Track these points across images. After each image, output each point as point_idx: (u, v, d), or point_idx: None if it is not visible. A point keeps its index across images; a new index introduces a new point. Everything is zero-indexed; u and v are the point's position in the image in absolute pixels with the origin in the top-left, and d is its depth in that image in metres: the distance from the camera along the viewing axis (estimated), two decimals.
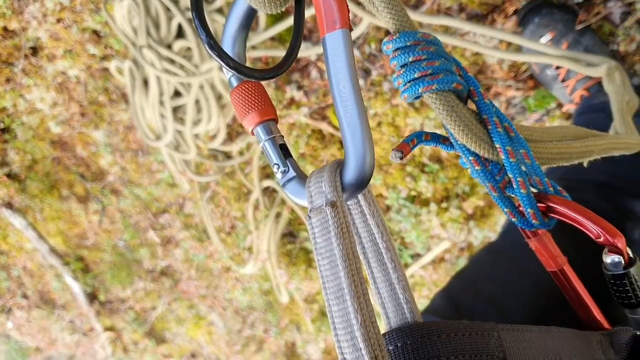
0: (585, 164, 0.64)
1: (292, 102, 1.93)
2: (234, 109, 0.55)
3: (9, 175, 2.87)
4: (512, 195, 0.56)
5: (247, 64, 0.56)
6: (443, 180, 1.78)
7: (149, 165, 2.52)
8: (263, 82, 0.54)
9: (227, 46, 0.53)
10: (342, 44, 0.46)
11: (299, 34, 0.50)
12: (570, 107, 1.52)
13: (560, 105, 1.57)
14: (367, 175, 0.45)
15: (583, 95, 1.45)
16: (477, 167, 0.57)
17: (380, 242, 0.48)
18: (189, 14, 1.83)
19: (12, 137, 2.73)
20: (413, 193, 1.85)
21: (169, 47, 1.93)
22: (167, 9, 1.86)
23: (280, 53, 1.82)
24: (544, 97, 1.57)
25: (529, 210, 0.54)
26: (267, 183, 2.20)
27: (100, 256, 3.02)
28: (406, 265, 1.94)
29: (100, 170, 2.70)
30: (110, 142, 2.54)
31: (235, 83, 0.53)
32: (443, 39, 1.51)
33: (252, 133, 0.52)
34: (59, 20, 2.25)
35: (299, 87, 1.90)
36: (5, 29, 2.35)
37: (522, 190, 0.54)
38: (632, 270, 0.51)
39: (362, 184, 0.45)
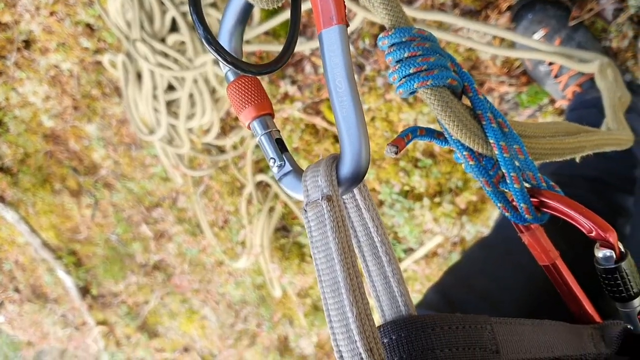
0: (577, 160, 0.64)
1: (286, 96, 1.93)
2: (230, 103, 0.55)
3: (0, 169, 2.86)
4: (506, 190, 0.57)
5: (242, 59, 0.56)
6: (436, 175, 1.79)
7: (142, 159, 2.51)
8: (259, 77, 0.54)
9: (224, 41, 0.54)
10: (339, 39, 0.46)
11: (295, 29, 0.50)
12: (562, 103, 1.53)
13: (552, 101, 1.58)
14: (362, 169, 0.46)
15: (575, 91, 1.45)
16: (471, 162, 0.57)
17: (375, 236, 0.49)
18: (183, 8, 1.83)
19: (4, 130, 2.72)
20: (406, 188, 1.86)
21: (163, 40, 1.92)
22: (161, 3, 1.85)
23: (275, 47, 1.82)
24: (537, 93, 1.58)
25: (522, 205, 0.55)
26: (261, 177, 2.20)
27: (92, 250, 3.02)
28: (399, 260, 1.95)
29: (93, 164, 2.69)
30: (103, 136, 2.53)
31: (231, 77, 0.53)
32: (437, 34, 1.52)
33: (249, 127, 0.52)
34: (51, 13, 2.23)
35: (293, 82, 1.90)
36: None
37: (515, 185, 0.55)
38: (623, 264, 0.52)
39: (357, 178, 0.46)
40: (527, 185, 0.56)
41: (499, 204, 0.56)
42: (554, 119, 1.58)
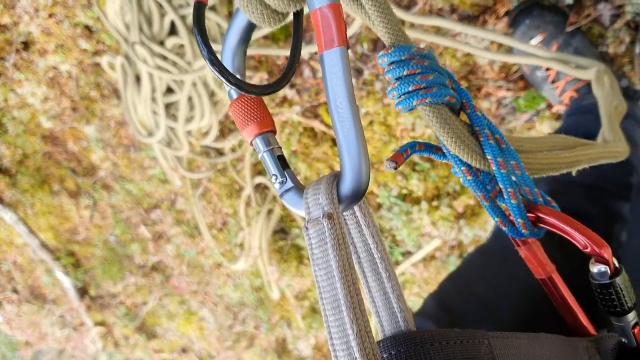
0: (573, 173, 0.65)
1: (284, 100, 1.94)
2: (234, 120, 0.56)
3: None
4: (503, 205, 0.58)
5: (245, 74, 0.57)
6: (434, 179, 1.80)
7: (140, 161, 2.52)
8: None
9: (227, 60, 0.54)
10: (340, 61, 0.47)
11: (297, 50, 0.51)
12: (560, 108, 1.54)
13: (550, 106, 1.59)
14: (363, 187, 0.47)
15: (572, 96, 1.47)
16: (469, 177, 0.58)
17: (375, 252, 0.50)
18: (182, 11, 1.83)
19: (3, 131, 2.72)
20: (404, 191, 1.87)
21: (162, 43, 1.93)
22: (160, 6, 1.86)
23: (274, 52, 1.82)
24: (534, 98, 1.59)
25: (519, 220, 0.56)
26: (259, 180, 2.21)
27: (91, 251, 3.02)
28: (397, 263, 1.96)
29: (92, 166, 2.70)
30: (101, 138, 2.54)
31: (235, 95, 0.54)
32: (435, 39, 1.53)
33: (251, 144, 0.53)
34: (50, 15, 2.24)
35: (292, 86, 1.90)
36: None
37: (512, 201, 0.56)
38: (618, 279, 0.53)
39: (358, 196, 0.47)
40: (523, 200, 0.57)
41: (496, 219, 0.57)
42: (551, 124, 1.59)
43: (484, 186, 0.58)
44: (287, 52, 1.82)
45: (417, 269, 1.94)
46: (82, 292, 3.22)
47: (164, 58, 1.91)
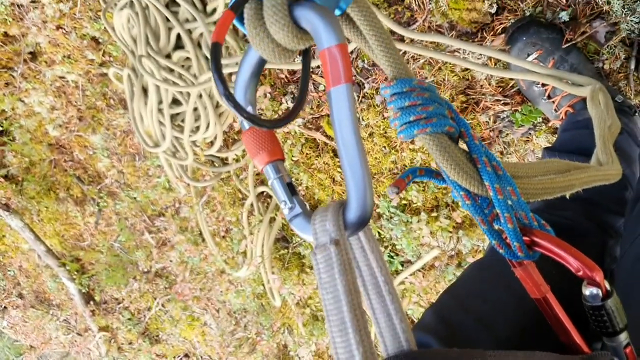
0: (567, 196, 0.69)
1: (287, 112, 1.97)
2: (246, 148, 0.60)
3: (6, 177, 2.90)
4: (500, 228, 0.61)
5: (255, 102, 0.60)
6: (433, 190, 1.83)
7: (146, 169, 2.56)
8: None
9: (240, 92, 0.58)
10: (346, 97, 0.50)
11: (305, 86, 0.55)
12: (556, 123, 1.57)
13: (546, 120, 1.62)
14: (367, 214, 0.50)
15: (568, 111, 1.50)
16: (467, 202, 0.62)
17: (379, 276, 0.53)
18: (188, 25, 1.87)
19: (10, 139, 2.76)
20: (404, 202, 1.90)
21: (168, 56, 1.96)
22: (167, 20, 1.89)
23: (276, 65, 1.86)
24: (531, 112, 1.62)
25: (515, 243, 0.59)
26: (262, 189, 2.24)
27: (96, 257, 3.06)
28: (397, 272, 1.99)
29: (97, 174, 2.74)
30: (107, 146, 2.58)
31: (247, 126, 0.57)
32: (434, 55, 1.56)
33: (262, 171, 0.57)
34: (58, 27, 2.28)
35: (294, 99, 1.94)
36: (5, 34, 2.38)
37: (509, 225, 0.59)
38: (609, 302, 0.56)
39: (363, 222, 0.50)
40: (519, 224, 0.60)
41: (493, 241, 0.61)
42: (548, 138, 1.63)
43: (482, 210, 0.62)
44: (290, 66, 1.86)
45: (416, 278, 1.97)
46: (87, 297, 3.25)
47: (171, 70, 1.95)
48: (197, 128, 2.09)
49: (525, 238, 0.60)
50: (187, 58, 1.96)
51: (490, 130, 1.69)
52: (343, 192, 2.05)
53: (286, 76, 1.95)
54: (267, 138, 0.57)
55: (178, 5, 1.88)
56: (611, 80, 1.53)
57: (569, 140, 1.41)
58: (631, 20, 1.41)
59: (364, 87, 1.79)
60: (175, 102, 2.08)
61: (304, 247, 2.27)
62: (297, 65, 1.81)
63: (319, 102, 1.91)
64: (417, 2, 1.59)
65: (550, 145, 1.58)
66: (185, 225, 2.61)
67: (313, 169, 2.05)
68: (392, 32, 1.62)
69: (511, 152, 1.70)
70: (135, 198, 2.68)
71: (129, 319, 3.17)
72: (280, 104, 1.96)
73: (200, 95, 1.99)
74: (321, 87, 1.87)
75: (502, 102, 1.64)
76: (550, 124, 1.61)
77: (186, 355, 3.14)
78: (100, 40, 2.29)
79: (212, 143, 2.17)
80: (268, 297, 2.44)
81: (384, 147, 1.84)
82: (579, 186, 0.70)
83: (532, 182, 0.65)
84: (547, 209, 1.19)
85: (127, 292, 3.05)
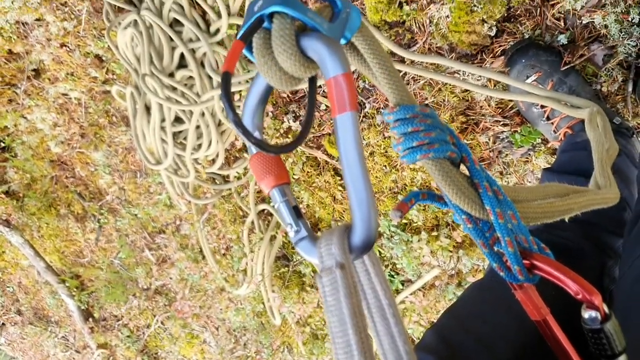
0: (567, 219, 0.70)
1: (288, 130, 1.99)
2: (252, 172, 0.61)
3: (7, 193, 2.91)
4: (501, 251, 0.62)
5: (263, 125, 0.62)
6: (433, 209, 1.85)
7: (147, 186, 2.57)
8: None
9: (248, 118, 0.59)
10: (351, 124, 0.52)
11: (311, 114, 0.56)
12: (555, 144, 1.59)
13: (545, 141, 1.64)
14: (372, 238, 0.51)
15: (567, 132, 1.51)
16: (469, 225, 0.63)
17: (383, 299, 0.54)
18: (192, 45, 1.89)
19: (12, 155, 2.77)
20: (404, 221, 1.91)
21: (171, 75, 1.98)
22: (171, 39, 1.91)
23: None
24: (530, 133, 1.63)
25: (515, 266, 0.60)
26: (263, 206, 2.25)
27: (95, 274, 3.05)
28: (397, 291, 2.00)
29: (99, 190, 2.75)
30: (109, 163, 2.59)
31: (254, 150, 0.59)
32: (434, 76, 1.58)
33: (268, 195, 0.58)
34: (62, 45, 2.30)
35: (295, 118, 1.96)
36: (9, 51, 2.40)
37: (509, 249, 0.60)
38: (608, 325, 0.57)
39: (368, 246, 0.51)
40: (519, 247, 0.62)
41: (494, 265, 0.62)
42: (547, 158, 1.64)
43: (483, 234, 0.63)
44: None
45: (416, 297, 1.98)
46: (86, 314, 3.24)
47: (174, 89, 1.97)
48: (199, 146, 2.11)
49: (525, 261, 0.61)
50: (190, 77, 1.98)
51: (490, 151, 1.71)
52: (344, 211, 2.06)
53: (288, 95, 1.97)
54: (273, 162, 0.59)
55: (182, 25, 1.90)
56: (609, 102, 1.55)
57: (568, 162, 1.43)
58: (628, 44, 1.43)
59: (365, 107, 1.81)
60: (178, 120, 2.10)
61: (305, 266, 2.28)
62: (300, 85, 1.83)
63: (320, 121, 1.92)
64: (417, 25, 1.61)
65: (549, 166, 1.60)
66: (186, 242, 2.62)
67: (314, 187, 2.06)
68: (393, 54, 1.64)
69: (511, 172, 1.71)
70: (136, 215, 2.68)
71: (128, 337, 3.16)
72: (282, 122, 1.98)
73: (203, 114, 2.00)
74: (322, 107, 1.89)
75: (501, 123, 1.66)
76: (549, 145, 1.63)
77: None
78: (103, 58, 2.31)
79: (213, 161, 2.18)
80: (268, 316, 2.44)
81: (385, 166, 1.86)
82: (577, 210, 0.71)
83: (532, 206, 0.66)
84: (547, 228, 1.20)
85: (126, 309, 3.05)
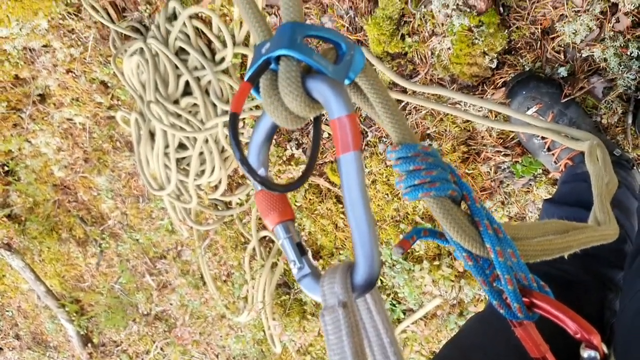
0: (566, 257, 0.70)
1: (291, 158, 2.01)
2: (257, 208, 0.62)
3: (9, 217, 2.92)
4: (501, 288, 0.63)
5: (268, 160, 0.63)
6: None
7: (149, 212, 2.57)
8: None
9: (254, 155, 0.60)
10: (354, 164, 0.53)
11: (315, 152, 0.57)
12: (556, 174, 1.60)
13: (546, 172, 1.65)
14: (375, 277, 0.52)
15: (568, 164, 1.52)
16: (469, 263, 0.64)
17: (384, 337, 0.54)
18: (197, 73, 1.92)
19: (15, 179, 2.79)
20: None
21: (176, 102, 2.00)
22: (176, 67, 1.94)
23: None
24: (532, 163, 1.65)
25: (515, 304, 0.61)
26: (264, 233, 2.26)
27: (96, 298, 3.05)
28: (399, 321, 1.99)
29: (101, 215, 2.75)
30: (112, 188, 2.60)
31: (259, 187, 0.60)
32: (436, 106, 1.60)
33: (273, 231, 0.59)
34: (68, 71, 2.33)
35: (298, 145, 1.97)
36: (16, 77, 2.43)
37: (509, 287, 0.61)
38: None
39: (370, 285, 0.52)
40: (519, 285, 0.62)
41: (494, 302, 0.63)
42: (548, 189, 1.65)
43: (483, 271, 0.64)
44: None
45: (418, 326, 1.97)
46: (85, 339, 3.22)
47: (178, 116, 1.99)
48: (202, 172, 2.12)
49: (525, 299, 0.61)
50: (195, 104, 2.00)
51: (491, 181, 1.72)
52: (345, 238, 2.06)
53: None
54: (278, 199, 0.59)
55: (187, 53, 1.93)
56: (609, 134, 1.56)
57: (569, 193, 1.43)
58: (627, 77, 1.45)
59: (367, 136, 1.83)
60: (181, 146, 2.11)
61: (306, 294, 2.27)
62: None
63: (322, 148, 1.94)
64: (419, 56, 1.63)
65: (550, 196, 1.61)
66: (187, 268, 2.61)
67: (316, 215, 2.07)
68: (395, 84, 1.66)
69: (512, 202, 1.72)
70: (137, 240, 2.69)
71: None
72: (285, 150, 2.00)
73: (207, 140, 2.02)
74: (325, 135, 1.91)
75: (502, 153, 1.67)
76: (550, 176, 1.64)
77: None
78: (109, 85, 2.34)
79: (216, 187, 2.19)
80: (268, 343, 2.43)
81: (387, 194, 1.87)
82: (576, 247, 0.72)
83: (532, 244, 0.67)
84: (546, 261, 1.20)
85: (126, 334, 3.03)
